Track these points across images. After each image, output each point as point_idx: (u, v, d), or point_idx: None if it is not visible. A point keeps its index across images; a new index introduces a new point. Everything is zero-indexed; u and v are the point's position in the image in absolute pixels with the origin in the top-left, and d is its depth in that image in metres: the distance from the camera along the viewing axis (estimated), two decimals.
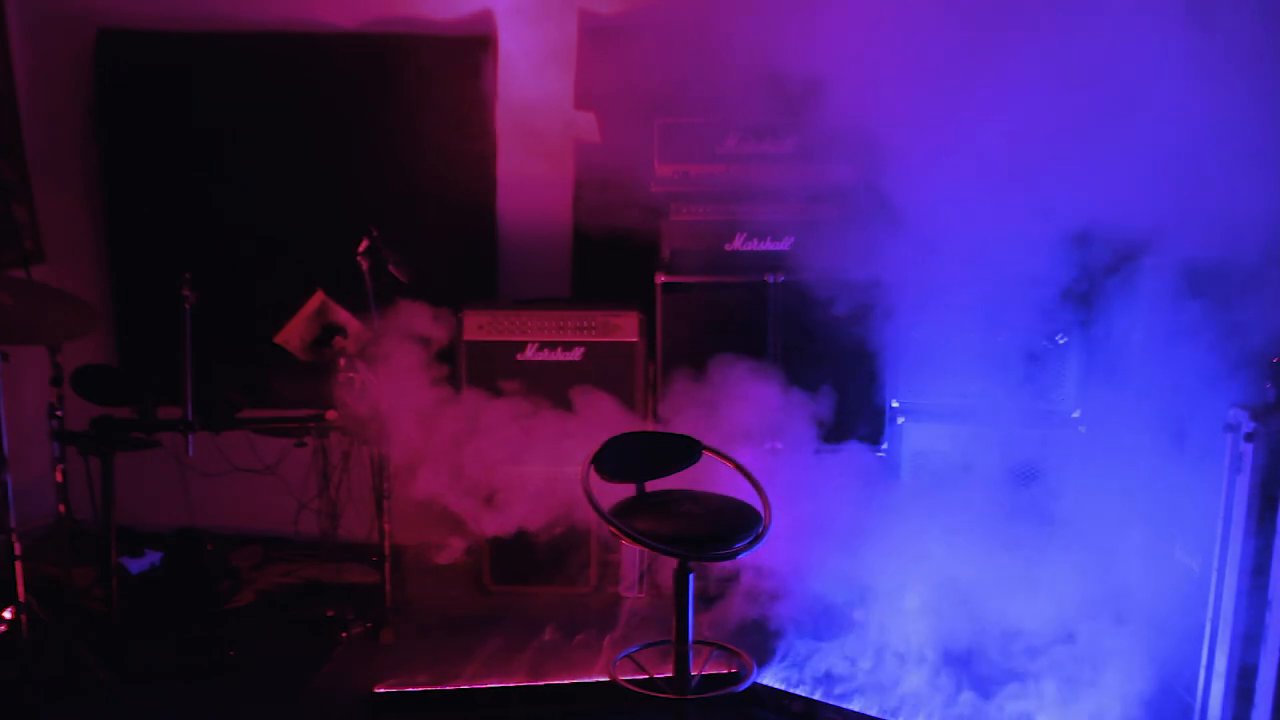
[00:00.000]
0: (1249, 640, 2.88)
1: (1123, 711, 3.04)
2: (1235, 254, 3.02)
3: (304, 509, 4.58)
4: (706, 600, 3.78)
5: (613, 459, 3.02)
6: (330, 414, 3.85)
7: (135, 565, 4.16)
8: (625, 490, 3.08)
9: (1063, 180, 3.29)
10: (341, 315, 3.94)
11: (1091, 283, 3.61)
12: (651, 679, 2.98)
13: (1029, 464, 3.79)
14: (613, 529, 2.78)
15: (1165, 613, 3.17)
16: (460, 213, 4.66)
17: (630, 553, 4.09)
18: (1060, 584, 3.32)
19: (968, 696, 3.17)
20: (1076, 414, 3.83)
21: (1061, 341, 3.82)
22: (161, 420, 3.64)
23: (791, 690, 3.23)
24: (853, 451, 3.99)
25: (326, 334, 3.92)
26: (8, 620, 3.27)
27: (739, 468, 3.13)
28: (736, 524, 2.86)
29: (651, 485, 3.11)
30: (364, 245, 3.83)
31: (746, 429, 4.07)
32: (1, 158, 4.54)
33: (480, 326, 4.16)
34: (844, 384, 3.97)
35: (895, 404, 4.02)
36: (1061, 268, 3.48)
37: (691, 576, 2.85)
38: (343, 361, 3.84)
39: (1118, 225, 3.27)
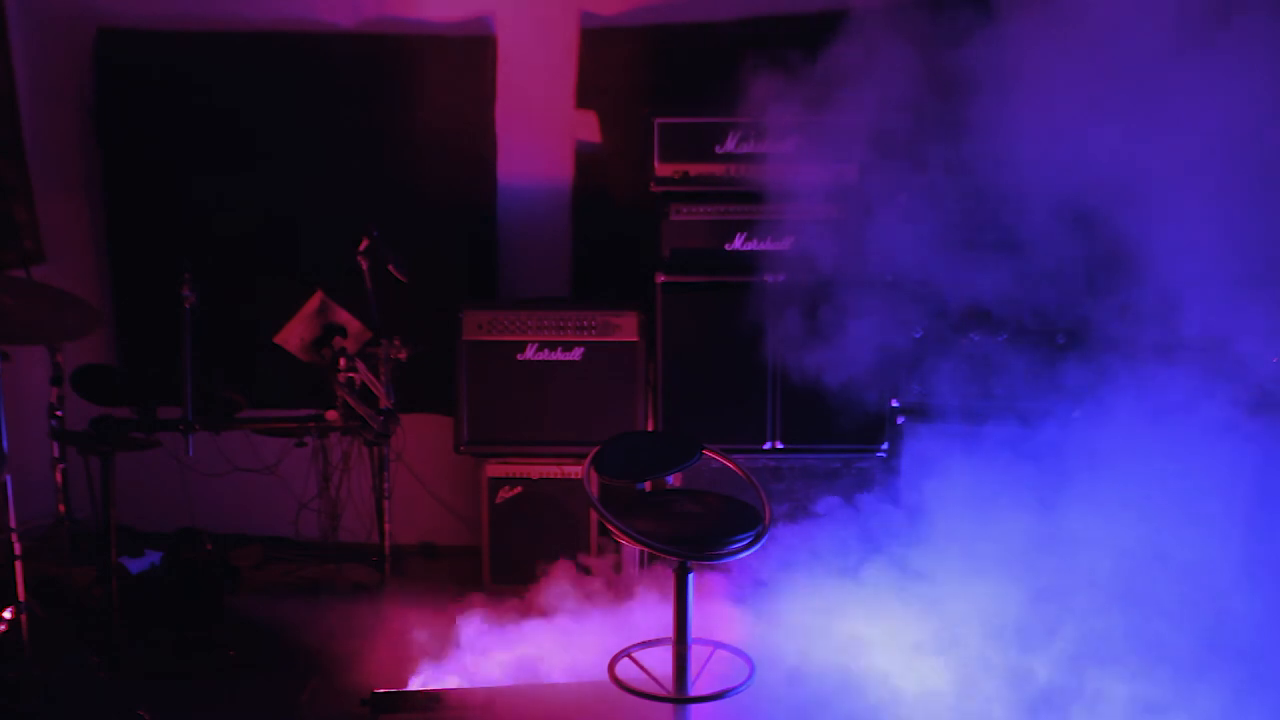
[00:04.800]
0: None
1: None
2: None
3: (304, 509, 4.58)
4: None
5: (613, 459, 3.02)
6: (330, 414, 3.85)
7: (135, 565, 4.15)
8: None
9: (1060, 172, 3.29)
10: (341, 315, 3.94)
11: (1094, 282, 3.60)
12: (651, 679, 2.97)
13: (1030, 461, 3.78)
14: (613, 529, 2.78)
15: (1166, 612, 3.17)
16: (460, 213, 4.66)
17: (631, 550, 4.09)
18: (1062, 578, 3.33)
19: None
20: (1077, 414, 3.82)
21: (1062, 342, 3.82)
22: (161, 420, 3.64)
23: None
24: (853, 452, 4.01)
25: (326, 334, 3.92)
26: (8, 620, 3.26)
27: (739, 468, 3.13)
28: (736, 524, 2.85)
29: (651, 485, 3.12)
30: (364, 245, 3.83)
31: (746, 428, 4.08)
32: (1, 158, 4.54)
33: (480, 326, 4.16)
34: (843, 384, 3.97)
35: (895, 404, 4.02)
36: (1065, 265, 3.48)
37: (691, 576, 2.85)
38: (343, 361, 3.84)
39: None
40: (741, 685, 2.96)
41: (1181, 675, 2.97)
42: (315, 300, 3.93)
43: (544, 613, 3.71)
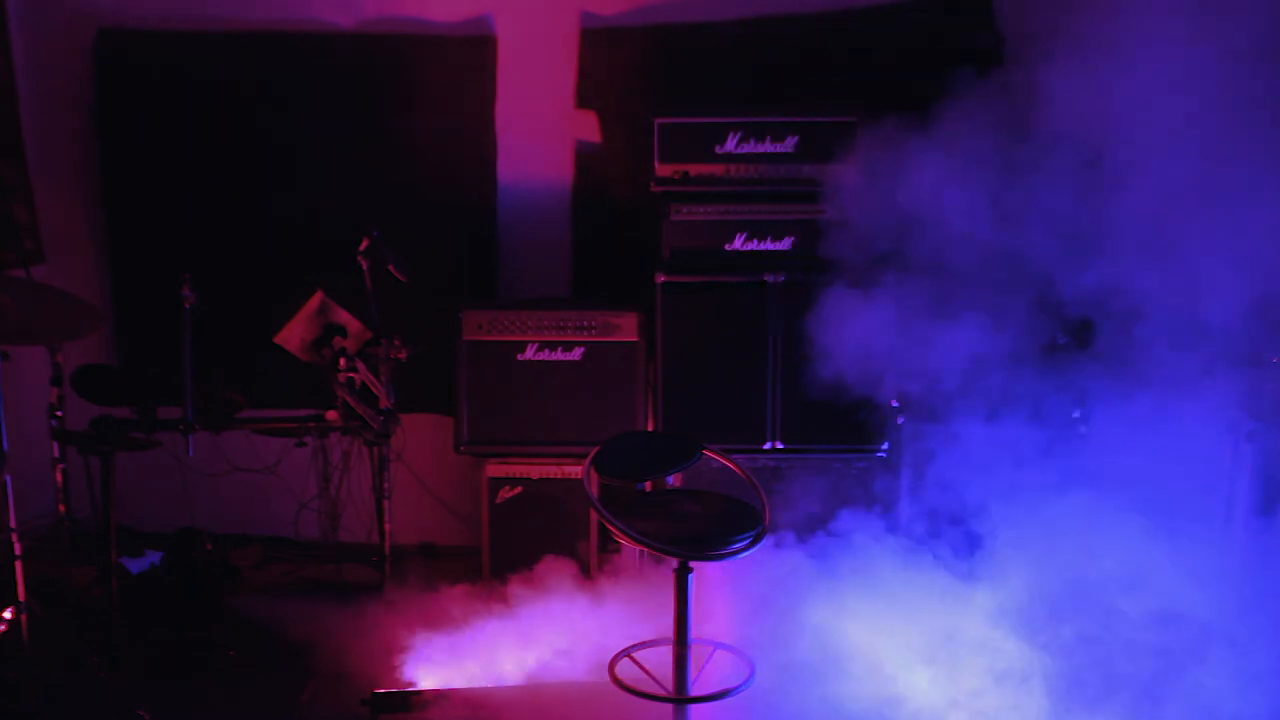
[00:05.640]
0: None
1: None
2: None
3: (304, 509, 4.58)
4: None
5: (613, 459, 3.02)
6: (330, 414, 3.85)
7: (135, 565, 4.16)
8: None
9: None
10: (341, 315, 3.94)
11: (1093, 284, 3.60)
12: (651, 679, 2.98)
13: (1031, 462, 3.78)
14: (613, 529, 2.78)
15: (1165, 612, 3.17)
16: (460, 213, 4.66)
17: (631, 550, 4.09)
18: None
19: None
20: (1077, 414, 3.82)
21: (1062, 343, 3.82)
22: (161, 420, 3.64)
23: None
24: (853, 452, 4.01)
25: (326, 334, 3.92)
26: (8, 620, 3.27)
27: (739, 468, 3.13)
28: (736, 524, 2.86)
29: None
30: (364, 245, 3.83)
31: (746, 428, 4.08)
32: (1, 158, 4.54)
33: (480, 326, 4.16)
34: (844, 383, 3.97)
35: (895, 403, 4.02)
36: (1065, 267, 3.47)
37: (691, 576, 2.85)
38: (343, 361, 3.84)
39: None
40: (741, 685, 2.96)
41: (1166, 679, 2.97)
42: (315, 300, 3.93)
43: (544, 613, 3.71)
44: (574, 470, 4.14)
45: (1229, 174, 3.03)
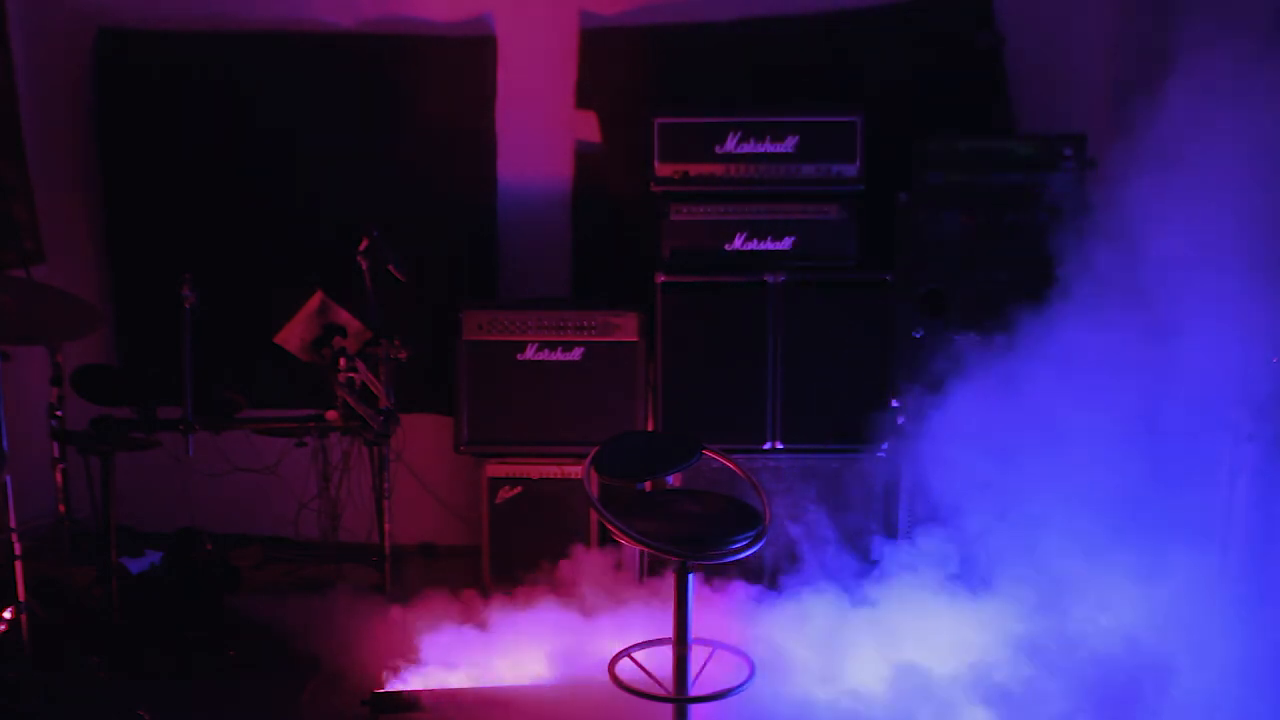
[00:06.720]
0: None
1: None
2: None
3: (304, 509, 4.58)
4: None
5: (613, 459, 3.02)
6: (330, 414, 3.85)
7: (135, 565, 4.15)
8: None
9: None
10: (341, 315, 3.94)
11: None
12: (651, 679, 2.98)
13: (1030, 462, 3.78)
14: (613, 529, 2.78)
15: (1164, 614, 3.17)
16: (460, 213, 4.66)
17: (631, 550, 4.09)
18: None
19: None
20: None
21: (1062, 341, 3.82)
22: (161, 420, 3.64)
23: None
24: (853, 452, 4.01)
25: (326, 334, 3.92)
26: (8, 620, 3.26)
27: (739, 468, 3.14)
28: (736, 524, 2.86)
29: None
30: (364, 245, 3.83)
31: (746, 428, 4.08)
32: (1, 158, 4.54)
33: (480, 326, 4.16)
34: (843, 384, 3.98)
35: (895, 404, 4.02)
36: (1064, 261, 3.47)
37: (691, 576, 2.85)
38: (343, 361, 3.84)
39: None
40: (741, 685, 2.96)
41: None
42: (315, 300, 3.93)
43: (544, 613, 3.71)
44: (574, 470, 4.14)
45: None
